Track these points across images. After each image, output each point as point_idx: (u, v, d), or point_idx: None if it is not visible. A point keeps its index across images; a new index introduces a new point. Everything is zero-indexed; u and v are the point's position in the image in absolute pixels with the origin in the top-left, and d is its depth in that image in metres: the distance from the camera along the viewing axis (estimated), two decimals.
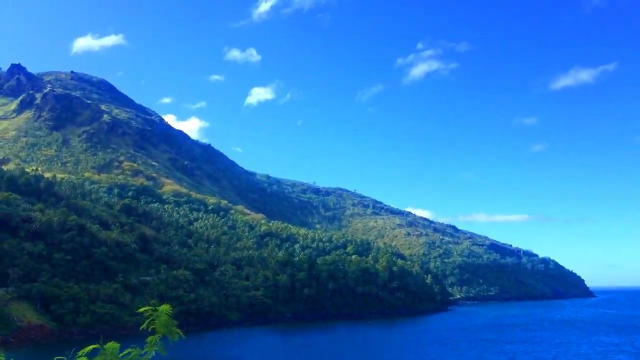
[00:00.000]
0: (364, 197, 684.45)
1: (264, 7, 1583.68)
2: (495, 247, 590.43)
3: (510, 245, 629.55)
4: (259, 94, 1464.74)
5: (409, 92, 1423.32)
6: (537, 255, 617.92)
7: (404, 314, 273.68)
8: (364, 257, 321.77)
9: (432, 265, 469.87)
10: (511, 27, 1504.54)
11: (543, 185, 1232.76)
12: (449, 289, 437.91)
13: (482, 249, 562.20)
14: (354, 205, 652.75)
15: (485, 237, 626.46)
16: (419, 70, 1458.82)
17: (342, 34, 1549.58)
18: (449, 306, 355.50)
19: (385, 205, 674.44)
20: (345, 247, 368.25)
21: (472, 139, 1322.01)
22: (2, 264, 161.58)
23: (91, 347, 8.62)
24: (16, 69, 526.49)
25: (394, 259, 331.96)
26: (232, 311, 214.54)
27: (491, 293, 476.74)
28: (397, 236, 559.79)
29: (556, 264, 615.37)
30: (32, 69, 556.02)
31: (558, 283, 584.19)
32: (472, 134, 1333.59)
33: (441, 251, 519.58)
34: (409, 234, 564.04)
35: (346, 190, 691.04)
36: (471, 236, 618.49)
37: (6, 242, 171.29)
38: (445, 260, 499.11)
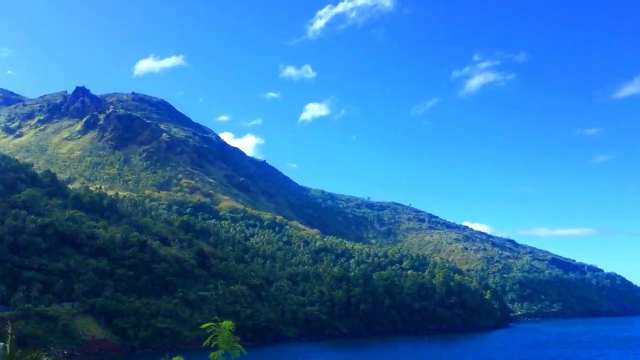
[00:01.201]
0: (419, 211, 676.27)
1: (318, 24, 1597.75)
2: (557, 262, 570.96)
3: (574, 260, 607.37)
4: (313, 110, 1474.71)
5: (465, 105, 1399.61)
6: (602, 271, 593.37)
7: (463, 330, 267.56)
8: (420, 273, 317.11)
9: (490, 280, 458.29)
10: (571, 36, 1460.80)
11: (608, 197, 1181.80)
12: (509, 306, 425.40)
13: (543, 264, 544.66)
14: (409, 219, 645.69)
15: (547, 252, 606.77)
16: (475, 82, 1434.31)
17: (397, 48, 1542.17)
18: (510, 323, 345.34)
19: (441, 219, 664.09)
20: (401, 262, 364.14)
21: (532, 151, 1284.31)
22: (68, 280, 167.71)
23: None
24: (81, 91, 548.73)
25: (451, 274, 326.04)
26: (289, 327, 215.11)
27: (554, 310, 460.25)
28: (453, 251, 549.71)
29: (623, 280, 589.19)
30: (96, 91, 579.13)
31: (625, 299, 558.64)
32: (532, 146, 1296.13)
33: (500, 266, 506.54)
34: (466, 249, 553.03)
35: (401, 205, 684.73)
36: (532, 251, 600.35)
37: (72, 258, 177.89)
38: (505, 275, 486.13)
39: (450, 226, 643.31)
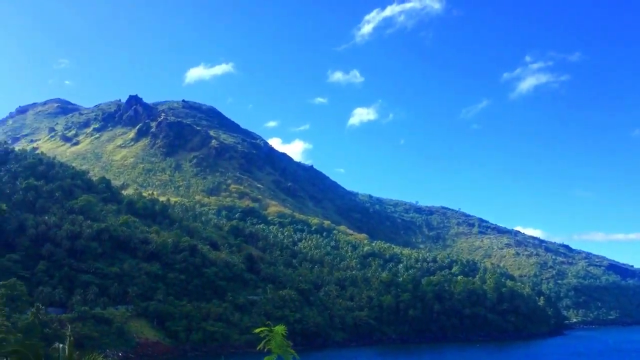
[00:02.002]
0: (469, 215, 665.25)
1: (366, 28, 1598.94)
2: (614, 267, 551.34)
3: (632, 266, 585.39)
4: (361, 115, 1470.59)
5: (516, 107, 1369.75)
6: None
7: (515, 337, 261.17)
8: (470, 278, 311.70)
9: (544, 286, 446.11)
10: (626, 34, 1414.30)
11: None
12: (564, 312, 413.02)
13: (600, 270, 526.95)
14: (458, 224, 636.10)
15: (603, 257, 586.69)
16: (527, 83, 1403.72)
17: (446, 50, 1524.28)
18: (565, 330, 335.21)
19: (492, 224, 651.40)
20: (450, 267, 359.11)
21: (587, 153, 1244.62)
22: (123, 283, 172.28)
23: None
24: (134, 100, 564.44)
25: (502, 279, 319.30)
26: (337, 331, 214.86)
27: (611, 317, 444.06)
28: (505, 256, 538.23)
29: None
30: (148, 99, 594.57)
31: None
32: (587, 148, 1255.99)
33: (554, 272, 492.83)
34: (518, 254, 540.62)
35: (450, 209, 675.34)
36: (587, 256, 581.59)
37: (126, 263, 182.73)
38: (559, 281, 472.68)
39: (501, 231, 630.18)
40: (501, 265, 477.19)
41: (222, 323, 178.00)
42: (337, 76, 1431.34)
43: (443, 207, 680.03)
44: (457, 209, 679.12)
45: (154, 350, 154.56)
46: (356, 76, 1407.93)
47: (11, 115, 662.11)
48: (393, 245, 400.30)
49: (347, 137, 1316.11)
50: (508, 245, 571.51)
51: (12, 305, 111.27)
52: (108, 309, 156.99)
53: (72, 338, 23.54)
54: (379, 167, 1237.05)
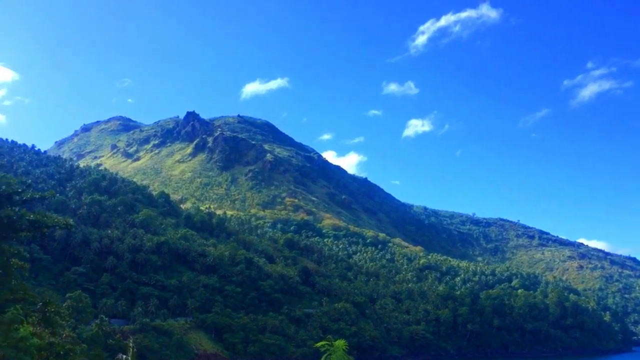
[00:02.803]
0: (529, 227, 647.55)
1: (420, 39, 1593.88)
2: None
3: None
4: (416, 126, 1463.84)
5: (577, 116, 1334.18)
6: None
7: (580, 354, 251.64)
8: (531, 292, 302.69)
9: (610, 301, 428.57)
10: None
11: None
12: (632, 328, 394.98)
13: None
14: (517, 236, 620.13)
15: None
16: (589, 91, 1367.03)
17: (503, 59, 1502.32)
18: (633, 347, 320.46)
19: (553, 235, 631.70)
20: (510, 280, 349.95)
21: None
22: (182, 296, 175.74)
23: None
24: (191, 116, 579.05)
25: (565, 293, 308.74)
26: (393, 345, 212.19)
27: None
28: (567, 269, 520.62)
29: None
30: (205, 115, 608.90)
31: None
32: None
33: (620, 286, 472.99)
34: (581, 267, 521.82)
35: (508, 221, 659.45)
36: None
37: (185, 275, 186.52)
38: (626, 295, 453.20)
39: (563, 243, 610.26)
40: (564, 278, 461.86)
41: (279, 336, 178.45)
42: (392, 88, 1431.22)
43: (501, 219, 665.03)
44: (516, 221, 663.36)
45: None
46: (411, 87, 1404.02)
47: (76, 133, 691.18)
48: (450, 258, 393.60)
49: (401, 149, 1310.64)
50: (571, 257, 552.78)
51: (78, 316, 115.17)
52: (168, 320, 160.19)
53: (134, 349, 24.14)
54: (435, 179, 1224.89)
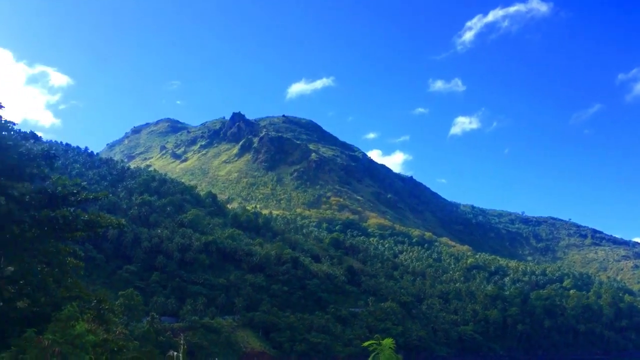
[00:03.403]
0: (581, 226, 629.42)
1: (467, 35, 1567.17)
2: None
3: None
4: (463, 124, 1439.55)
5: (633, 110, 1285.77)
6: None
7: (635, 356, 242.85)
8: (584, 292, 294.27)
9: None
10: None
11: None
12: None
13: None
14: (569, 235, 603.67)
15: None
16: None
17: (554, 54, 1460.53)
18: None
19: (607, 234, 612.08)
20: (561, 281, 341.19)
21: None
22: (229, 294, 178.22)
23: None
24: (237, 117, 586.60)
25: (620, 294, 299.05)
26: (441, 346, 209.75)
27: None
28: (622, 269, 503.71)
29: None
30: (250, 115, 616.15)
31: None
32: None
33: None
34: (636, 267, 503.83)
35: (559, 220, 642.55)
36: None
37: (232, 274, 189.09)
38: None
39: (617, 242, 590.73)
40: (618, 278, 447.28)
41: (325, 335, 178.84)
42: (438, 85, 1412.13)
43: (552, 218, 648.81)
44: (567, 219, 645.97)
45: None
46: (458, 84, 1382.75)
47: (127, 135, 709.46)
48: (498, 257, 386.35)
49: (448, 147, 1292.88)
50: (626, 257, 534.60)
51: (130, 314, 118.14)
52: (216, 318, 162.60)
53: (185, 346, 24.68)
54: (482, 177, 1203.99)
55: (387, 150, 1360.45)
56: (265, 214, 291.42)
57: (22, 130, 29.63)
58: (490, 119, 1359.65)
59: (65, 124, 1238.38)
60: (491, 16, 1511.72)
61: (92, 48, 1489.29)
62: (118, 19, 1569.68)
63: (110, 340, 28.28)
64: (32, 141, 30.46)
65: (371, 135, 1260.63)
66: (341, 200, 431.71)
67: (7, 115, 28.75)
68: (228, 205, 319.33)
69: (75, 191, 30.72)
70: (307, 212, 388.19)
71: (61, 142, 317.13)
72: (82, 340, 23.68)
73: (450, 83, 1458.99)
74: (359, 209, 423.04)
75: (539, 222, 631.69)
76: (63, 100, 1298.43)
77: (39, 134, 30.94)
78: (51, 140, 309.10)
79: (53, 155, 30.60)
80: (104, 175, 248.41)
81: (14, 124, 28.89)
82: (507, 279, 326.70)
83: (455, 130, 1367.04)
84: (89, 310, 30.08)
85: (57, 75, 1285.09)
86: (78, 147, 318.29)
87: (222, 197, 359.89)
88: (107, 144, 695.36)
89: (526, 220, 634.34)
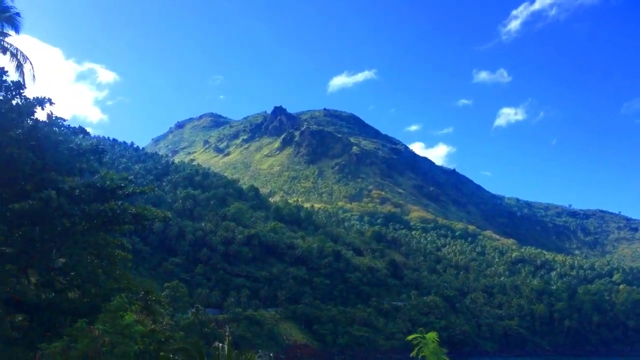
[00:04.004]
0: (632, 219, 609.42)
1: (513, 24, 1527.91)
2: None
3: None
4: (508, 115, 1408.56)
5: None
6: None
7: None
8: (634, 287, 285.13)
9: None
10: None
11: None
12: None
13: None
14: (619, 228, 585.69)
15: None
16: None
17: (603, 42, 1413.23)
18: None
19: None
20: (611, 275, 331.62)
21: None
22: (272, 287, 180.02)
23: None
24: (278, 111, 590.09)
25: None
26: (486, 340, 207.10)
27: None
28: None
29: None
30: (292, 109, 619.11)
31: None
32: None
33: None
34: None
35: (609, 213, 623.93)
36: None
37: (275, 267, 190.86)
38: None
39: None
40: None
41: (367, 328, 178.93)
42: (482, 76, 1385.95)
43: (600, 211, 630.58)
44: (617, 212, 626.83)
45: (302, 352, 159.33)
46: (503, 75, 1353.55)
47: (171, 130, 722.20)
48: (544, 251, 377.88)
49: (493, 139, 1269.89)
50: None
51: (175, 305, 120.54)
52: (259, 311, 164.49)
53: (230, 338, 25.04)
54: (528, 169, 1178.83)
55: (430, 143, 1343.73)
56: (306, 207, 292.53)
57: (72, 126, 30.57)
58: (537, 109, 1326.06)
59: (112, 119, 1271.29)
60: (538, 4, 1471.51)
61: (138, 44, 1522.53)
62: (163, 16, 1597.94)
63: (157, 331, 28.89)
64: (81, 136, 31.35)
65: (414, 128, 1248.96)
66: (383, 193, 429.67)
67: (58, 111, 29.67)
68: (270, 199, 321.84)
69: (122, 185, 31.50)
70: (348, 206, 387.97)
71: (108, 138, 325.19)
72: (130, 331, 24.30)
73: (495, 74, 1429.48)
74: (401, 202, 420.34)
75: (587, 215, 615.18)
76: (110, 97, 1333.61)
77: (88, 129, 31.82)
78: (99, 136, 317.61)
79: (102, 150, 31.40)
80: (150, 170, 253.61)
81: (64, 120, 29.78)
82: (553, 273, 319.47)
83: (500, 121, 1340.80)
84: (136, 301, 30.81)
85: (105, 72, 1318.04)
86: (124, 142, 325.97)
87: (264, 190, 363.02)
88: (152, 139, 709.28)
89: (574, 213, 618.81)
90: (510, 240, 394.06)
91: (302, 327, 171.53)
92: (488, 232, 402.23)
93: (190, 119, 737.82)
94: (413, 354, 9.27)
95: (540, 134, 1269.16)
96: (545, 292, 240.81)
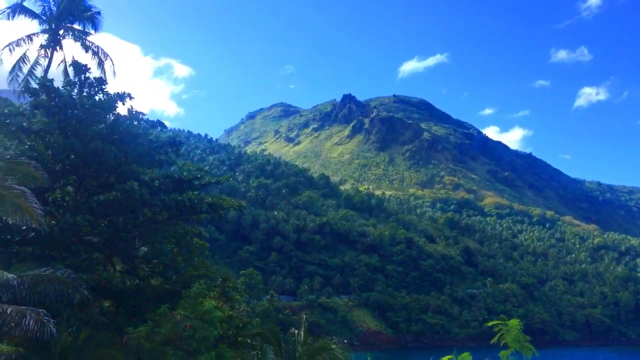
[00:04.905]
0: None
1: (593, 0, 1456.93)
2: None
3: None
4: (589, 95, 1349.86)
5: None
6: None
7: None
8: None
9: None
10: None
11: None
12: None
13: None
14: None
15: None
16: None
17: None
18: None
19: None
20: None
21: None
22: (345, 274, 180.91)
23: (447, 357, 8.87)
24: (347, 98, 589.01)
25: None
26: (566, 329, 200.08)
27: None
28: None
29: None
30: (361, 96, 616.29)
31: None
32: None
33: None
34: None
35: None
36: None
37: (347, 255, 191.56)
38: None
39: None
40: None
41: (442, 316, 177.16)
42: (561, 55, 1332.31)
43: None
44: None
45: (376, 339, 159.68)
46: (583, 53, 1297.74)
47: (242, 121, 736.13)
48: (629, 237, 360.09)
49: (572, 121, 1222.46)
50: None
51: (251, 292, 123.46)
52: (332, 298, 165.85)
53: (306, 324, 25.38)
54: (611, 151, 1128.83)
55: (505, 127, 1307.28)
56: (378, 195, 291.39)
57: (150, 119, 31.79)
58: (621, 88, 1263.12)
59: (188, 112, 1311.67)
60: None
61: (211, 38, 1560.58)
62: (234, 10, 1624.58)
63: (235, 317, 29.69)
64: (159, 129, 32.50)
65: (488, 112, 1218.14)
66: (455, 179, 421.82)
67: (137, 106, 30.85)
68: (341, 187, 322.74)
69: (199, 176, 32.44)
70: (420, 192, 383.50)
71: (184, 130, 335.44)
72: (210, 316, 25.08)
73: (575, 52, 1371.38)
74: (474, 187, 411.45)
75: None
76: (185, 90, 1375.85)
77: (165, 122, 32.96)
78: (175, 129, 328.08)
79: (178, 142, 32.40)
80: (223, 160, 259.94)
81: (143, 114, 30.93)
82: (639, 260, 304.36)
83: (580, 102, 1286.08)
84: (215, 288, 31.69)
85: (180, 67, 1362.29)
86: (199, 133, 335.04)
87: (334, 178, 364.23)
88: (225, 130, 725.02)
89: None
90: (592, 226, 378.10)
91: (375, 314, 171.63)
92: (568, 218, 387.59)
93: (261, 109, 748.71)
94: (494, 340, 9.08)
95: (624, 114, 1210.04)
96: (630, 280, 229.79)
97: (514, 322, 9.25)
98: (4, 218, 19.38)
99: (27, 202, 18.03)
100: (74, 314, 24.09)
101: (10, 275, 18.13)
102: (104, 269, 28.85)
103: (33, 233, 25.23)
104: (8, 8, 39.17)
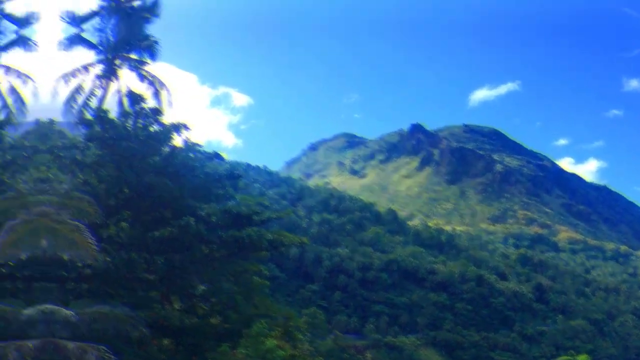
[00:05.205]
0: None
1: None
2: None
3: None
4: None
5: None
6: None
7: None
8: None
9: None
10: None
11: None
12: None
13: None
14: None
15: None
16: None
17: None
18: None
19: None
20: None
21: None
22: (412, 313, 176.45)
23: None
24: (415, 128, 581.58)
25: None
26: None
27: None
28: None
29: None
30: (429, 125, 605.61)
31: None
32: None
33: None
34: None
35: None
36: None
37: (415, 293, 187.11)
38: None
39: None
40: None
41: (510, 353, 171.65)
42: (633, 84, 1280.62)
43: None
44: None
45: None
46: None
47: (304, 153, 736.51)
48: None
49: None
50: None
51: (314, 331, 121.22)
52: (399, 337, 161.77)
53: None
54: None
55: (580, 158, 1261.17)
56: (447, 230, 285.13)
57: (207, 151, 31.41)
58: None
59: (246, 143, 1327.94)
60: None
61: (271, 66, 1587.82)
62: (296, 37, 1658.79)
63: (297, 356, 28.55)
64: (216, 161, 32.05)
65: (562, 142, 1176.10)
66: (529, 213, 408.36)
67: (194, 137, 30.54)
68: (409, 222, 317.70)
69: (259, 211, 31.61)
70: (492, 227, 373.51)
71: (242, 162, 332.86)
72: (272, 355, 24.05)
73: None
74: (548, 222, 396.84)
75: None
76: (244, 120, 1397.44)
77: (222, 154, 32.52)
78: (233, 161, 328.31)
79: (237, 175, 31.93)
80: (284, 194, 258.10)
81: (200, 145, 30.60)
82: None
83: None
84: (276, 327, 30.59)
85: (239, 96, 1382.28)
86: (257, 166, 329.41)
87: (402, 213, 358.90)
88: (286, 162, 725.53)
89: None
90: None
91: (443, 353, 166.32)
92: None
93: (324, 140, 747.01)
94: None
95: None
96: None
97: (583, 358, 7.44)
98: (59, 254, 19.11)
99: (82, 237, 17.93)
100: (134, 351, 23.57)
101: (69, 312, 18.11)
102: (161, 306, 28.31)
103: (89, 270, 24.92)
104: (66, 39, 39.29)
